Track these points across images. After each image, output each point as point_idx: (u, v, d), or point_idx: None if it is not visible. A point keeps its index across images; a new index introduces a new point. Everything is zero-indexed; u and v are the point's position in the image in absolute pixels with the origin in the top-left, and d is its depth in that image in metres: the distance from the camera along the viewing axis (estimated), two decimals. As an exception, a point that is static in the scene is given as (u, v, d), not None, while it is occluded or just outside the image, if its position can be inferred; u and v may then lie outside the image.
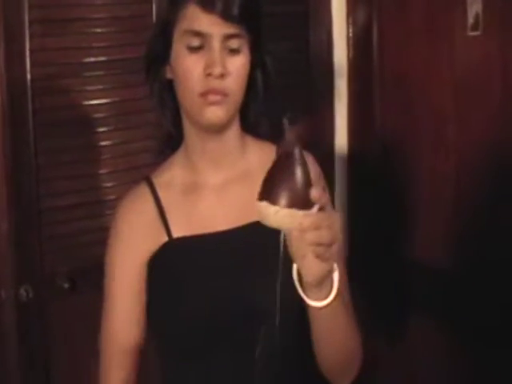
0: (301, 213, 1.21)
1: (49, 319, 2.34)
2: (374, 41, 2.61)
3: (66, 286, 2.32)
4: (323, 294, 1.33)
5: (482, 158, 2.21)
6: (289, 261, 1.37)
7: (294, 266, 1.32)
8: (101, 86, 2.36)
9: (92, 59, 2.33)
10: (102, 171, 2.37)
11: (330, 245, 1.25)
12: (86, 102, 2.33)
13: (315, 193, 1.23)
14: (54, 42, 2.26)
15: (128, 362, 1.56)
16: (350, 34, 2.71)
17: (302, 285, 1.35)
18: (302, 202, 1.21)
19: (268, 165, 1.39)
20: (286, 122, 1.22)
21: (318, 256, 1.26)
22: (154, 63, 1.52)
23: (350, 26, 2.71)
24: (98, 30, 2.34)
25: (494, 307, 2.18)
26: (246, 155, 1.58)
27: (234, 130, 1.54)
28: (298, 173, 1.21)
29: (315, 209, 1.23)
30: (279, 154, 1.22)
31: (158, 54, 1.50)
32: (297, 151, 1.21)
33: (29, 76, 2.22)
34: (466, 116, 2.25)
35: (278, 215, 1.22)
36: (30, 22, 2.20)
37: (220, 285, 1.49)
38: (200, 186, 1.56)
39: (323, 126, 2.73)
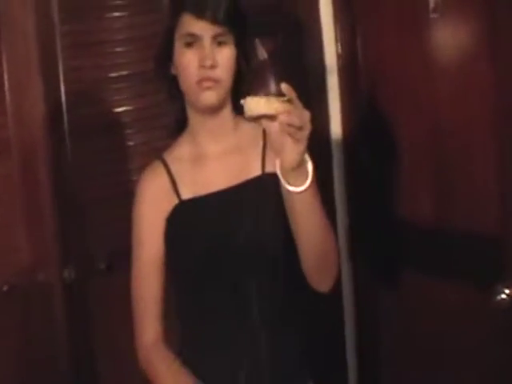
0: (275, 99, 1.46)
1: (89, 297, 2.55)
2: (358, 41, 2.76)
3: (103, 266, 2.54)
4: (301, 181, 1.59)
5: (448, 121, 2.41)
6: (271, 205, 1.72)
7: (277, 163, 1.59)
8: (123, 96, 2.58)
9: (114, 74, 2.57)
10: (127, 167, 2.58)
11: (300, 128, 1.49)
12: (112, 110, 2.57)
13: (284, 86, 1.48)
14: (81, 62, 2.51)
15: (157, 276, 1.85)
16: (339, 37, 2.80)
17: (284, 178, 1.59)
18: (275, 94, 1.47)
19: (256, 139, 1.74)
20: (257, 41, 1.50)
21: (291, 136, 1.50)
22: (161, 61, 1.80)
23: (338, 32, 2.80)
24: (119, 50, 2.57)
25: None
26: (237, 132, 1.84)
27: (227, 111, 1.82)
28: (270, 74, 1.49)
29: (286, 98, 1.48)
30: (253, 65, 1.50)
31: (164, 53, 1.78)
32: (266, 58, 1.49)
33: (63, 90, 2.47)
34: (435, 89, 2.45)
35: (258, 104, 1.47)
36: (62, 47, 2.47)
37: (219, 229, 1.78)
38: (202, 156, 1.83)
39: (319, 116, 2.75)
